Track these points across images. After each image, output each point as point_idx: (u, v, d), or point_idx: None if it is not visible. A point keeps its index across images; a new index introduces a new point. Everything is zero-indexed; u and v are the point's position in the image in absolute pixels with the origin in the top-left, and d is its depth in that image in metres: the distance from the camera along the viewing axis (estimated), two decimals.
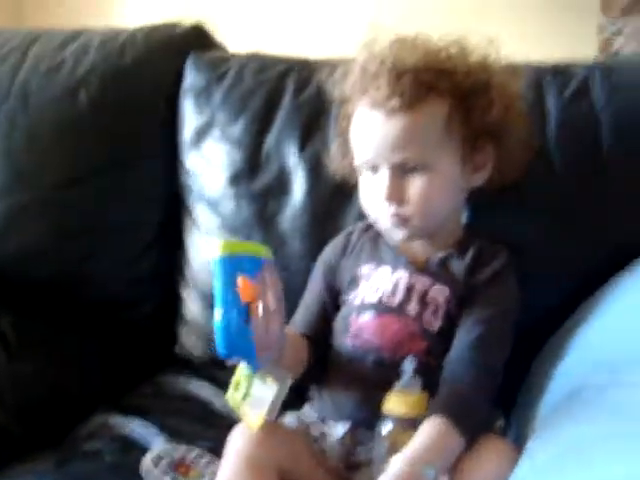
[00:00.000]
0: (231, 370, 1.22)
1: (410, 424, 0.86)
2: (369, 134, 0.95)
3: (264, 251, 0.86)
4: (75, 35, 1.36)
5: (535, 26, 2.40)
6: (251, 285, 0.81)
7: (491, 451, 0.85)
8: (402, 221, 0.95)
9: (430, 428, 0.84)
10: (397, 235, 0.98)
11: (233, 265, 0.81)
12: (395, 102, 0.90)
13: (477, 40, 0.97)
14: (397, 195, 0.93)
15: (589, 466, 0.63)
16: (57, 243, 1.29)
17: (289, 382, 0.87)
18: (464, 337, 0.91)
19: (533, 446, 0.80)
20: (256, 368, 0.85)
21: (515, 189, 1.04)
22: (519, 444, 0.85)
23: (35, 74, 1.31)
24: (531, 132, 1.03)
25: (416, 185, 0.93)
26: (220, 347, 0.79)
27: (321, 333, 1.01)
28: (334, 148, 1.07)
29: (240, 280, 0.80)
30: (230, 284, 0.80)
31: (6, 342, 1.21)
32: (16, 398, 1.13)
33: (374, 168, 0.95)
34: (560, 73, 1.14)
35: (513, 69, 1.01)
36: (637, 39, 2.70)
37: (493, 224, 1.05)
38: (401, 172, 0.93)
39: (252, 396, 0.88)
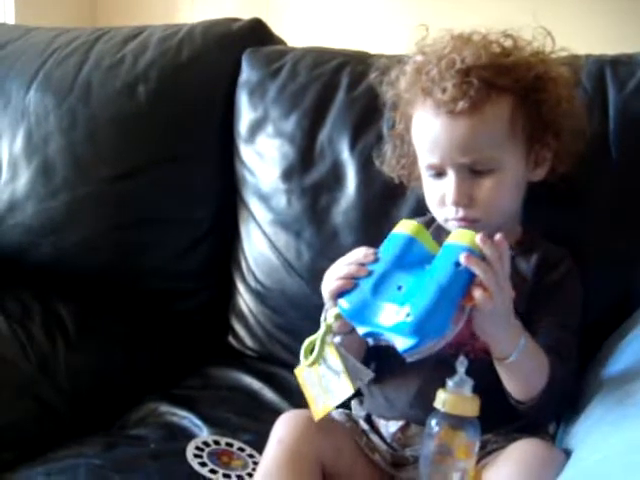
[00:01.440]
0: (280, 363, 1.24)
1: (459, 423, 0.84)
2: (434, 137, 0.92)
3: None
4: (136, 32, 1.39)
5: (602, 23, 2.34)
6: None
7: (539, 456, 0.82)
8: (469, 224, 0.93)
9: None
10: None
11: None
12: (462, 104, 0.88)
13: (532, 32, 0.95)
14: (465, 198, 0.91)
15: (635, 472, 0.61)
16: (113, 235, 1.32)
17: (366, 381, 0.86)
18: (543, 339, 0.88)
19: (579, 452, 0.78)
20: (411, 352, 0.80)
21: (571, 184, 1.00)
22: (568, 447, 0.82)
23: (97, 70, 1.35)
24: (586, 123, 0.99)
25: (485, 187, 0.91)
26: (419, 320, 0.77)
27: None
28: (389, 151, 1.06)
29: None
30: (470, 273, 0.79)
31: (65, 330, 1.26)
32: (71, 383, 1.17)
33: (440, 172, 0.93)
34: (623, 64, 1.10)
35: (570, 60, 0.98)
36: None
37: (553, 223, 1.03)
38: (468, 174, 0.91)
39: (324, 384, 0.86)
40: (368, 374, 0.86)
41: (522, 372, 0.84)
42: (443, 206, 0.94)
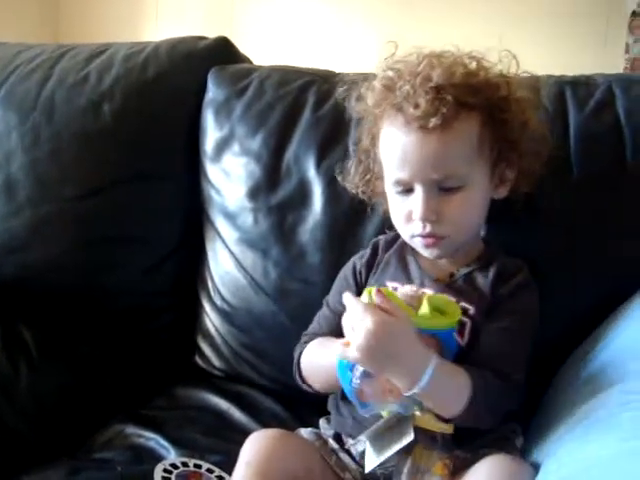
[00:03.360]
0: (247, 382, 1.23)
1: (432, 443, 0.85)
2: (404, 153, 0.93)
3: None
4: (101, 49, 1.38)
5: (562, 46, 2.40)
6: None
7: (507, 471, 0.82)
8: (436, 240, 0.94)
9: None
10: (429, 254, 0.97)
11: None
12: (435, 120, 0.89)
13: (498, 54, 0.97)
14: (433, 214, 0.92)
15: None
16: (78, 254, 1.30)
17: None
18: (485, 346, 0.90)
19: (547, 466, 0.79)
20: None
21: (533, 202, 1.03)
22: (536, 462, 0.83)
23: (61, 87, 1.33)
24: (549, 144, 1.01)
25: (453, 203, 0.92)
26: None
27: None
28: (353, 166, 1.06)
29: None
30: None
31: (28, 352, 1.22)
32: (35, 406, 1.14)
33: (407, 187, 0.94)
34: (582, 85, 1.13)
35: (532, 80, 1.01)
36: None
37: (513, 239, 1.04)
38: (436, 190, 0.92)
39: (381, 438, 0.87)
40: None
41: (434, 398, 0.84)
42: (409, 222, 0.94)
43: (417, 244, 0.97)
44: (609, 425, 0.75)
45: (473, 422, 0.86)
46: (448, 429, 0.83)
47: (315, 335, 1.03)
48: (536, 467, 0.82)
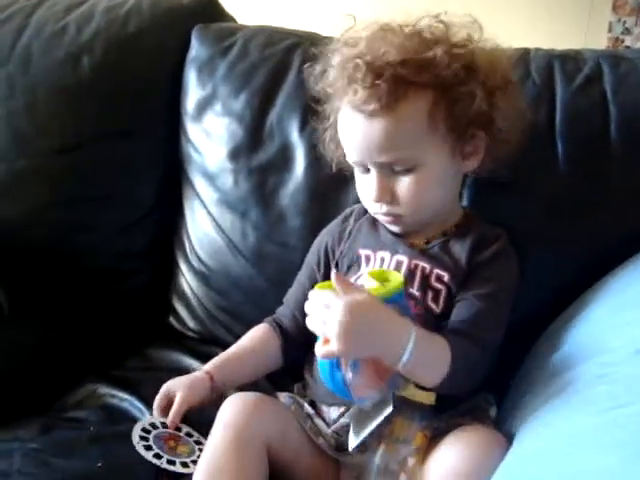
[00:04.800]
0: (222, 344, 1.23)
1: (412, 413, 0.85)
2: (353, 136, 0.92)
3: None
4: (80, 0, 1.34)
5: (546, 23, 2.40)
6: None
7: (481, 442, 0.83)
8: (394, 219, 0.95)
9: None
10: (394, 230, 0.98)
11: None
12: (374, 106, 0.87)
13: (460, 21, 0.93)
14: (386, 196, 0.92)
15: (572, 459, 0.64)
16: (53, 210, 1.27)
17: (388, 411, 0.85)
18: (461, 312, 0.90)
19: (523, 437, 0.80)
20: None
21: (519, 175, 1.02)
22: (510, 433, 0.84)
23: (38, 38, 1.29)
24: (525, 110, 0.99)
25: (405, 185, 0.91)
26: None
27: None
28: (327, 138, 1.03)
29: None
30: None
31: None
32: (6, 364, 1.12)
33: (365, 167, 0.93)
34: (571, 59, 1.12)
35: (502, 52, 0.96)
36: None
37: (496, 210, 1.04)
38: (389, 172, 0.91)
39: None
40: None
41: (418, 370, 0.83)
42: (370, 201, 0.95)
43: (381, 220, 0.98)
44: (584, 398, 0.75)
45: (453, 389, 0.86)
46: (429, 400, 0.84)
47: (281, 319, 1.06)
48: (510, 438, 0.82)
